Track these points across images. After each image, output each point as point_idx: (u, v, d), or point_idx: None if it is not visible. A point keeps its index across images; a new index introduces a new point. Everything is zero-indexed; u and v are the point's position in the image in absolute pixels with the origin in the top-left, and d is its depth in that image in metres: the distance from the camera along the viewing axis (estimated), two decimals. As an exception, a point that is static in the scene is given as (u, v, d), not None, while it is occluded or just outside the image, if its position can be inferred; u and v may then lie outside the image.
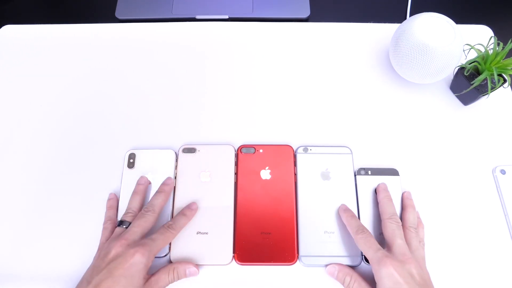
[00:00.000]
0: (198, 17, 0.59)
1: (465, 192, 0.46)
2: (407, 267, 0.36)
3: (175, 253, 0.42)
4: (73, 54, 0.55)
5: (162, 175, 0.45)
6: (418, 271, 0.36)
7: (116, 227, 0.41)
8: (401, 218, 0.43)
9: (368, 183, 0.45)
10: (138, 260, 0.37)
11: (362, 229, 0.40)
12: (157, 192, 0.43)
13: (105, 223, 0.43)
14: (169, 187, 0.44)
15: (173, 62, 0.55)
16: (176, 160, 0.46)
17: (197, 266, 0.41)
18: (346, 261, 0.41)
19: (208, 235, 0.42)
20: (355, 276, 0.39)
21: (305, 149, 0.47)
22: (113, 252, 0.37)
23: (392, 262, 0.36)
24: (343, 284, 0.40)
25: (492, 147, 0.48)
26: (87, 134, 0.49)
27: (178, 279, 0.40)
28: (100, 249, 0.40)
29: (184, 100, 0.52)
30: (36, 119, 0.51)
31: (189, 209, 0.43)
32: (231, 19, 0.59)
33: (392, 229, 0.40)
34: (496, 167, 0.47)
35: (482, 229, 0.44)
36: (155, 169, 0.46)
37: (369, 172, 0.46)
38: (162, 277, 0.39)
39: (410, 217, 0.42)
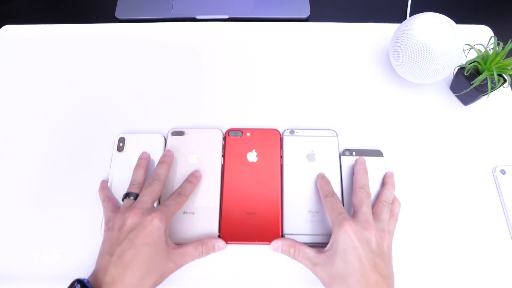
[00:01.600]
0: (198, 17, 0.59)
1: (465, 192, 0.46)
2: (366, 233, 0.37)
3: None
4: (73, 54, 0.55)
5: (152, 158, 0.46)
6: (377, 239, 0.37)
7: (114, 204, 0.42)
8: (379, 194, 0.44)
9: (352, 163, 0.46)
10: (157, 226, 0.37)
11: (332, 194, 0.41)
12: (160, 162, 0.44)
13: (103, 201, 0.43)
14: (170, 158, 0.45)
15: (173, 62, 0.55)
16: (165, 144, 0.47)
17: (224, 242, 0.42)
18: (329, 239, 0.41)
19: (194, 215, 0.43)
20: (298, 246, 0.39)
21: (292, 132, 0.48)
22: (129, 222, 0.37)
23: (352, 225, 0.36)
24: (289, 256, 0.40)
25: (492, 147, 0.48)
26: (87, 133, 0.49)
27: (207, 253, 0.41)
28: (109, 221, 0.40)
29: (178, 90, 0.52)
30: (36, 119, 0.51)
31: (194, 177, 0.44)
32: (231, 19, 0.59)
33: (361, 198, 0.40)
34: (496, 167, 0.47)
35: (482, 229, 0.44)
36: (144, 151, 0.47)
37: (354, 153, 0.47)
38: (189, 251, 0.40)
39: (386, 192, 0.43)
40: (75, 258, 0.42)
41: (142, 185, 0.42)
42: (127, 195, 0.41)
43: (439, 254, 0.43)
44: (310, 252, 0.39)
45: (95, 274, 0.36)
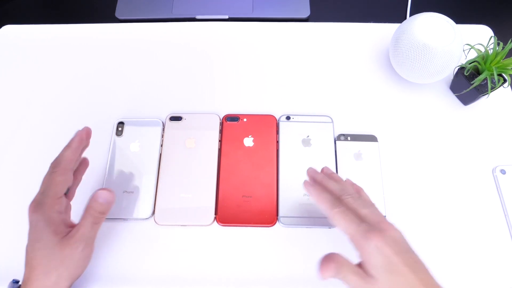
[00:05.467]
0: (198, 17, 0.59)
1: (465, 192, 0.46)
2: (388, 234, 0.32)
3: (158, 215, 0.44)
4: (73, 54, 0.55)
5: (149, 143, 0.47)
6: (398, 234, 0.33)
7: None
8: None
9: (347, 148, 0.47)
10: (34, 220, 0.35)
11: (338, 203, 0.35)
12: (65, 147, 0.39)
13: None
14: (75, 141, 0.39)
15: (172, 60, 0.55)
16: (163, 129, 0.48)
17: (109, 190, 0.38)
18: (324, 222, 0.43)
19: (191, 198, 0.44)
20: (345, 265, 0.33)
21: (288, 118, 0.49)
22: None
23: (374, 235, 0.32)
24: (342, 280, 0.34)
25: (492, 147, 0.48)
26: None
27: (100, 215, 0.37)
28: None
29: (176, 79, 0.53)
30: (36, 118, 0.51)
31: (72, 140, 0.39)
32: (231, 19, 0.59)
33: (350, 204, 0.35)
34: (496, 167, 0.47)
35: (482, 229, 0.44)
36: (143, 137, 0.48)
37: (349, 138, 0.48)
38: (81, 223, 0.36)
39: (345, 188, 0.37)
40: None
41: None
42: None
43: (439, 254, 0.43)
44: (357, 270, 0.33)
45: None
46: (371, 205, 0.36)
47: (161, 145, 0.47)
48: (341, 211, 0.34)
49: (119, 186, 0.45)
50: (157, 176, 0.46)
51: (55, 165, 0.38)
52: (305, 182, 0.38)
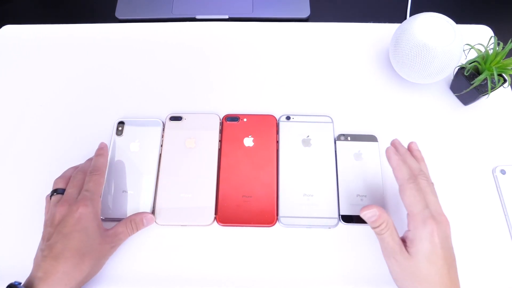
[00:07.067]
0: (198, 17, 0.59)
1: (465, 192, 0.46)
2: (443, 228, 0.35)
3: (159, 214, 0.44)
4: (73, 54, 0.55)
5: (149, 143, 0.47)
6: (449, 231, 0.36)
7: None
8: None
9: (347, 148, 0.47)
10: (83, 211, 0.38)
11: (414, 179, 0.37)
12: (96, 155, 0.44)
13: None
14: (105, 150, 0.45)
15: (172, 60, 0.55)
16: (163, 130, 0.48)
17: (152, 214, 0.43)
18: (324, 222, 0.43)
19: (191, 198, 0.44)
20: (390, 224, 0.37)
21: (288, 118, 0.49)
22: (57, 216, 0.38)
23: (433, 224, 0.35)
24: (374, 228, 0.37)
25: (492, 147, 0.48)
26: (86, 128, 0.49)
27: (137, 229, 0.42)
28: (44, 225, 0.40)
29: (176, 79, 0.53)
30: (36, 118, 0.51)
31: (100, 149, 0.44)
32: (231, 19, 0.59)
33: (423, 186, 0.37)
34: (496, 167, 0.47)
35: (482, 229, 0.44)
36: (142, 136, 0.48)
37: (349, 138, 0.47)
38: (120, 229, 0.41)
39: (416, 166, 0.39)
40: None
41: (69, 180, 0.42)
42: (54, 192, 0.41)
43: (439, 254, 0.43)
44: (397, 238, 0.36)
45: (29, 275, 0.36)
46: (436, 195, 0.38)
47: (161, 145, 0.47)
48: (414, 188, 0.36)
49: (118, 185, 0.45)
50: (156, 176, 0.46)
51: (95, 169, 0.42)
52: (388, 149, 0.40)
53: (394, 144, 0.42)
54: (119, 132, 0.48)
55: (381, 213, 0.37)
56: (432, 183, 0.39)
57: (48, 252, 0.36)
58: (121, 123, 0.49)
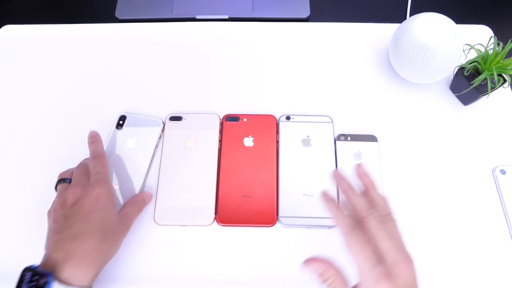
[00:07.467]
0: (198, 17, 0.59)
1: (465, 192, 0.46)
2: (402, 282, 0.29)
3: (158, 214, 0.44)
4: (73, 54, 0.55)
5: (146, 141, 0.48)
6: (411, 279, 0.30)
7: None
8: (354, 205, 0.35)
9: (347, 148, 0.47)
10: (100, 191, 0.37)
11: (358, 228, 0.31)
12: (90, 143, 0.43)
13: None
14: (97, 137, 0.44)
15: (172, 60, 0.55)
16: (162, 130, 0.48)
17: (149, 192, 0.44)
18: (324, 222, 0.43)
19: (191, 198, 0.45)
20: (339, 279, 0.32)
21: (288, 118, 0.49)
22: (70, 198, 0.37)
23: (388, 283, 0.29)
24: (323, 282, 0.33)
25: (492, 147, 0.48)
26: (86, 128, 0.49)
27: (142, 209, 0.43)
28: (49, 212, 0.39)
29: (177, 79, 0.53)
30: (36, 118, 0.51)
31: (91, 137, 0.44)
32: (231, 19, 0.59)
33: (374, 231, 0.31)
34: (496, 167, 0.47)
35: (482, 229, 0.44)
36: (141, 134, 0.48)
37: (349, 138, 0.47)
38: (128, 210, 0.41)
39: (361, 203, 0.33)
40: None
41: (72, 173, 0.41)
42: (60, 181, 0.40)
43: (438, 254, 0.43)
44: None
45: (46, 257, 0.34)
46: (396, 234, 0.32)
47: (156, 146, 0.48)
48: (360, 240, 0.30)
49: (115, 183, 0.45)
50: (146, 173, 0.46)
51: (97, 155, 0.42)
52: (323, 195, 0.35)
53: (336, 179, 0.36)
54: (119, 126, 0.48)
55: (326, 267, 0.32)
56: (390, 217, 0.33)
57: (67, 233, 0.34)
58: (123, 117, 0.49)
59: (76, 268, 0.33)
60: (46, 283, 0.31)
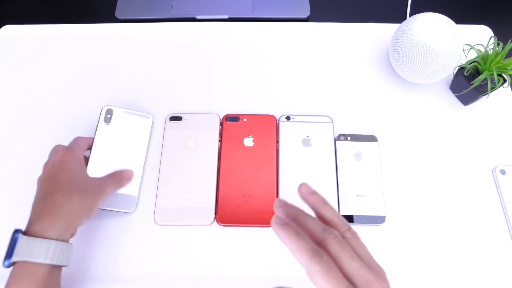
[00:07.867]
0: (198, 17, 0.59)
1: (465, 192, 0.46)
2: None
3: (159, 214, 0.44)
4: (73, 54, 0.55)
5: (137, 138, 0.47)
6: None
7: None
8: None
9: (347, 148, 0.47)
10: (64, 156, 0.40)
11: (320, 254, 0.26)
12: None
13: None
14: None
15: (172, 60, 0.55)
16: (152, 126, 0.49)
17: (131, 169, 0.45)
18: None
19: (191, 198, 0.45)
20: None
21: (288, 118, 0.49)
22: (43, 171, 0.40)
23: None
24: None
25: (492, 147, 0.48)
26: (87, 132, 0.49)
27: (120, 185, 0.44)
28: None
29: (177, 79, 0.53)
30: (35, 118, 0.51)
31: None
32: (231, 19, 0.59)
33: (336, 253, 0.27)
34: (496, 167, 0.47)
35: (482, 229, 0.44)
36: (130, 130, 0.47)
37: (349, 138, 0.48)
38: (104, 178, 0.42)
39: (316, 226, 0.29)
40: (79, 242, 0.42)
41: None
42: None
43: (438, 254, 0.43)
44: None
45: (28, 221, 0.37)
46: (360, 249, 0.28)
47: (148, 143, 0.48)
48: (323, 269, 0.26)
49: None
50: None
51: (78, 137, 0.44)
52: (274, 222, 0.29)
53: (281, 208, 0.31)
54: (107, 120, 0.46)
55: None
56: (350, 232, 0.29)
57: (39, 195, 0.38)
58: (110, 111, 0.47)
59: (43, 221, 0.36)
60: (15, 238, 0.35)
